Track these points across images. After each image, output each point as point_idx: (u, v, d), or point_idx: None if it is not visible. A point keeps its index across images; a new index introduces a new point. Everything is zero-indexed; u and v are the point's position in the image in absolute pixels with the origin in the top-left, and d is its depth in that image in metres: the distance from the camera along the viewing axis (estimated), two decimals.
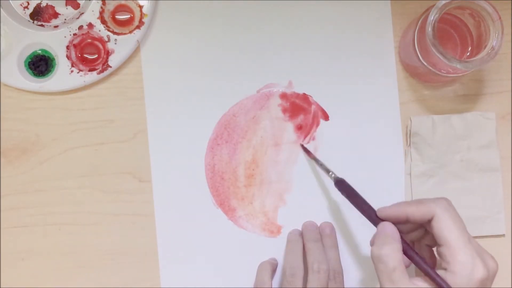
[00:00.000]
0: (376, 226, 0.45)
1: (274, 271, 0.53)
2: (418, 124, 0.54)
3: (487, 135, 0.54)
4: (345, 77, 0.55)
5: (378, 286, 0.42)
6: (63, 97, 0.55)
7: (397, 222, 0.44)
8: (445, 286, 0.39)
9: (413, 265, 0.43)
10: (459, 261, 0.39)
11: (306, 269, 0.50)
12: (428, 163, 0.54)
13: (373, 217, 0.45)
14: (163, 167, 0.55)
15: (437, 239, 0.41)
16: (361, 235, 0.54)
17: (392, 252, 0.41)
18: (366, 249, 0.54)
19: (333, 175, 0.50)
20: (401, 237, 0.43)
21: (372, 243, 0.44)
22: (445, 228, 0.40)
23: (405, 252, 0.42)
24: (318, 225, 0.54)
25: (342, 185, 0.49)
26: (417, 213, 0.42)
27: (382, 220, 0.44)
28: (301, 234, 0.53)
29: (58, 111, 0.55)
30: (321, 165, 0.53)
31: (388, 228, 0.43)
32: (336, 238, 0.53)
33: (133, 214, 0.55)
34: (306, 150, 0.55)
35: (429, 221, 0.42)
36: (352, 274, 0.54)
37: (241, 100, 0.55)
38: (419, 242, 0.47)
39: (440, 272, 0.40)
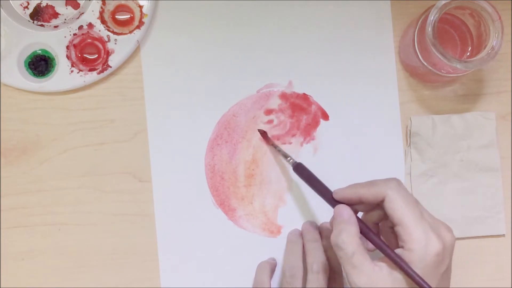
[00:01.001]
0: (333, 208, 0.45)
1: (273, 271, 0.53)
2: (418, 124, 0.54)
3: (487, 135, 0.54)
4: (345, 77, 0.55)
5: None
6: (63, 97, 0.55)
7: (352, 204, 0.45)
8: (401, 263, 0.40)
9: None
10: (413, 238, 0.40)
11: (306, 270, 0.50)
12: (428, 163, 0.54)
13: (330, 199, 0.46)
14: (163, 167, 0.55)
15: (391, 219, 0.42)
16: None
17: (348, 237, 0.42)
18: None
19: (291, 160, 0.51)
20: (359, 219, 0.44)
21: (331, 225, 0.45)
22: (396, 208, 0.41)
23: (363, 234, 0.43)
24: (318, 225, 0.54)
25: (300, 169, 0.50)
26: (368, 194, 0.43)
27: (339, 202, 0.45)
28: (301, 234, 0.53)
29: (58, 111, 0.55)
30: (280, 150, 0.53)
31: (344, 213, 0.44)
32: None
33: (133, 214, 0.55)
34: (264, 136, 0.54)
35: (382, 202, 0.42)
36: None
37: (241, 100, 0.55)
38: (382, 225, 0.47)
39: (398, 250, 0.41)
